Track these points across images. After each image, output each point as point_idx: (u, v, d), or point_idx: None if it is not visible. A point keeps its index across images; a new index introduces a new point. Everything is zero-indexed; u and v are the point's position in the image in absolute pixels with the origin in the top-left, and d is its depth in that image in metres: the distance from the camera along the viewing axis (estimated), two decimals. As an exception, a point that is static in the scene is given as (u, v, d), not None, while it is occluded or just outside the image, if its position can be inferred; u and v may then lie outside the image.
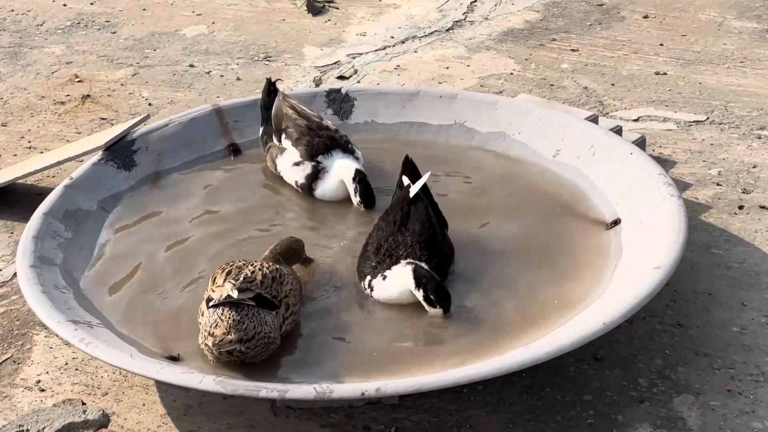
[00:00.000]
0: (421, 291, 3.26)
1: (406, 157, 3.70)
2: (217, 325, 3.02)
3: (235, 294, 3.04)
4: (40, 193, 4.34)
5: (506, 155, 4.15)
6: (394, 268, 3.34)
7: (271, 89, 4.20)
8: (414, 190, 3.51)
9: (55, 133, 4.95)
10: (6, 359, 3.52)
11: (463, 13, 6.05)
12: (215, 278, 3.19)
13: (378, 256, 3.41)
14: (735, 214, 4.15)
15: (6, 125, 5.04)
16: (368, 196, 3.86)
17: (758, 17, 5.87)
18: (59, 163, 4.19)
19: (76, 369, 3.42)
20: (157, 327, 3.31)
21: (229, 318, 3.02)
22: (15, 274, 3.65)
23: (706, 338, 3.49)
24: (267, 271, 3.18)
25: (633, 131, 4.59)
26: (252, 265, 3.21)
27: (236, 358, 3.04)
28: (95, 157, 4.02)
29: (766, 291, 3.73)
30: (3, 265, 4.02)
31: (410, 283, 3.29)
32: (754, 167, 4.46)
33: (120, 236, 3.77)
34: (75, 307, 3.27)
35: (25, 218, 4.03)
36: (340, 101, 4.37)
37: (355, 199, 3.86)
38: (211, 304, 3.07)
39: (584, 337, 2.97)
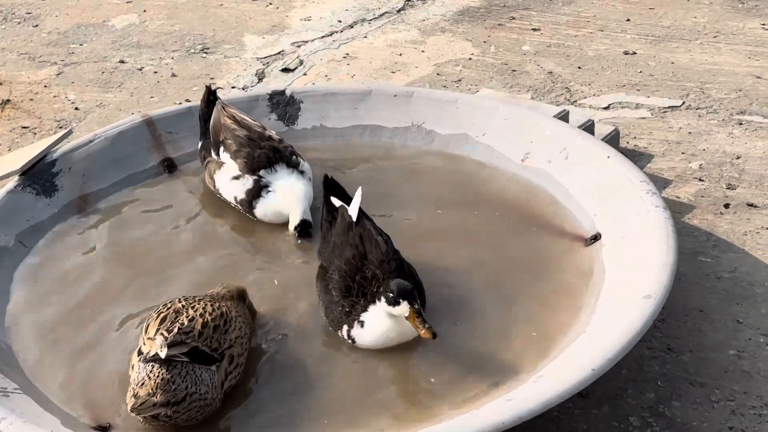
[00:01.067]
0: (383, 298, 2.89)
1: (326, 177, 3.36)
2: (143, 384, 2.66)
3: (163, 353, 2.68)
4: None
5: (470, 160, 3.79)
6: (371, 309, 2.98)
7: (210, 98, 3.80)
8: (353, 213, 3.17)
9: (-29, 147, 4.52)
10: None
11: (415, -9, 5.65)
12: (148, 326, 2.81)
13: (350, 299, 3.04)
14: (721, 214, 3.83)
15: None
16: (306, 235, 3.51)
17: (729, -15, 5.52)
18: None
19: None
20: (85, 389, 2.94)
21: (158, 377, 2.67)
22: None
23: (700, 364, 3.17)
24: (209, 318, 2.81)
25: (605, 122, 4.26)
26: (193, 308, 2.84)
27: (164, 423, 2.69)
28: (10, 183, 3.61)
29: (762, 305, 3.40)
30: None
31: (384, 307, 2.91)
32: (738, 158, 4.14)
33: (42, 276, 3.37)
34: (-13, 371, 2.89)
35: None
36: (284, 105, 3.98)
37: (292, 231, 3.51)
38: (140, 359, 2.73)
39: (572, 387, 2.63)
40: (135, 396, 2.65)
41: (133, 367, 2.76)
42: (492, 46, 5.06)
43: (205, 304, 2.85)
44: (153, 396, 2.63)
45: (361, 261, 3.06)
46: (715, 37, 5.03)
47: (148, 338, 2.75)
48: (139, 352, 2.76)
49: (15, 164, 3.67)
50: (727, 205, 3.86)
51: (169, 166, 3.84)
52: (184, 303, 2.86)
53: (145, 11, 5.63)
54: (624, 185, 3.37)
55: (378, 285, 2.98)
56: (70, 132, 3.85)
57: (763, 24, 5.13)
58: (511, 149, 3.73)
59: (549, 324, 3.07)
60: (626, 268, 3.09)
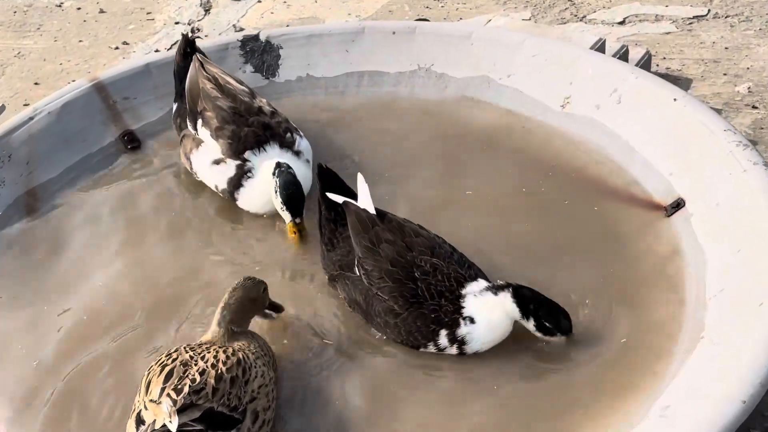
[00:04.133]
0: (532, 320, 2.43)
1: (320, 167, 2.71)
2: None
3: (174, 425, 2.08)
4: None
5: (496, 108, 3.20)
6: (467, 301, 2.45)
7: (187, 50, 3.10)
8: (368, 205, 2.59)
9: None
10: None
11: None
12: (149, 383, 2.21)
13: (426, 304, 2.47)
14: (743, 148, 3.30)
15: None
16: (293, 201, 2.81)
17: None
18: None
19: None
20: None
21: None
22: None
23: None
24: (223, 370, 2.21)
25: (627, 41, 3.70)
26: (202, 357, 2.24)
27: None
28: (-66, 184, 2.94)
29: None
30: None
31: (514, 313, 2.43)
32: (790, 77, 3.61)
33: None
34: None
35: None
36: (260, 52, 3.34)
37: (277, 203, 2.82)
38: (141, 430, 2.12)
39: (726, 428, 2.10)
40: None
41: None
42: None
43: (216, 352, 2.26)
44: None
45: (409, 255, 2.51)
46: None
47: (151, 401, 2.15)
48: (139, 421, 2.15)
49: (-62, 157, 2.99)
50: (779, 138, 3.36)
51: (131, 141, 3.19)
52: (191, 353, 2.25)
53: (53, -69, 4.84)
54: (702, 136, 2.82)
55: (444, 275, 2.47)
56: (2, 108, 3.15)
57: None
58: (547, 93, 3.15)
59: (642, 322, 2.53)
60: (734, 248, 2.55)
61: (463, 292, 2.45)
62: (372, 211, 2.57)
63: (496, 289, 2.44)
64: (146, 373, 2.25)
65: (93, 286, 2.77)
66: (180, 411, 2.10)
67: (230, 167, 2.89)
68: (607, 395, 2.36)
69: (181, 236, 2.91)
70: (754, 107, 3.48)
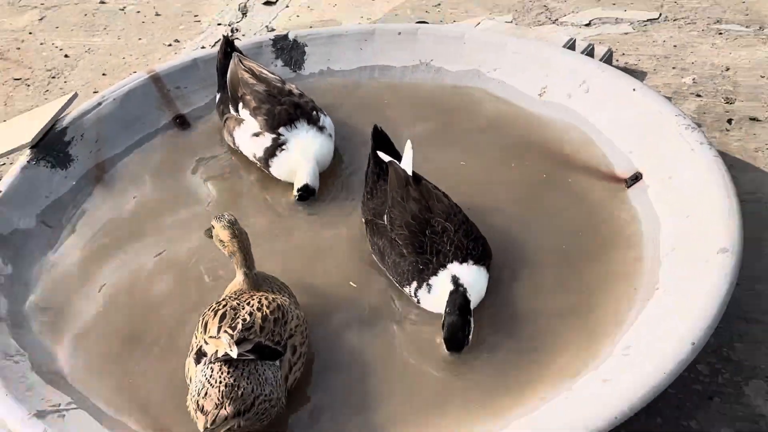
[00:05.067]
0: (443, 322, 2.31)
1: (375, 128, 2.69)
2: (207, 394, 2.03)
3: (234, 352, 2.04)
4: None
5: (485, 97, 3.10)
6: (440, 274, 2.38)
7: (228, 50, 3.04)
8: (408, 168, 2.54)
9: (-36, 104, 3.71)
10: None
11: None
12: (206, 323, 2.16)
13: (424, 256, 2.41)
14: (727, 130, 3.24)
15: None
16: (304, 200, 2.80)
17: None
18: (-22, 165, 3.00)
19: None
20: (139, 392, 2.27)
21: (221, 383, 2.04)
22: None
23: (751, 300, 2.61)
24: (267, 312, 2.16)
25: (592, 40, 3.61)
26: (248, 304, 2.18)
27: None
28: (23, 157, 2.85)
29: (790, 231, 2.84)
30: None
31: (443, 307, 2.33)
32: (727, 70, 3.53)
33: (72, 261, 2.65)
34: (35, 383, 2.22)
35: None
36: (289, 50, 3.26)
37: (294, 193, 2.80)
38: (205, 360, 2.08)
39: (676, 367, 2.04)
40: (203, 411, 2.02)
41: (189, 371, 2.15)
42: (464, -35, 4.32)
43: (259, 299, 2.20)
44: (221, 408, 2.01)
45: (427, 215, 2.44)
46: (672, -56, 4.34)
47: (210, 337, 2.10)
48: (199, 354, 2.11)
49: (23, 136, 2.91)
50: (730, 121, 3.27)
51: (182, 123, 3.11)
52: (237, 300, 2.20)
53: (116, -52, 4.74)
54: (657, 120, 2.75)
55: (449, 239, 2.40)
56: (75, 95, 3.07)
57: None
58: (527, 84, 3.06)
59: (607, 274, 2.47)
60: (684, 215, 2.48)
61: (448, 265, 2.37)
62: (409, 172, 2.51)
63: (455, 284, 2.34)
64: (200, 318, 2.19)
65: (152, 225, 2.76)
66: (237, 343, 2.04)
67: (267, 139, 2.83)
68: (575, 338, 2.30)
69: (221, 194, 2.87)
70: (698, 95, 3.40)
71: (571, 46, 3.25)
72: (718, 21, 3.79)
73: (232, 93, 2.93)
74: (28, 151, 2.86)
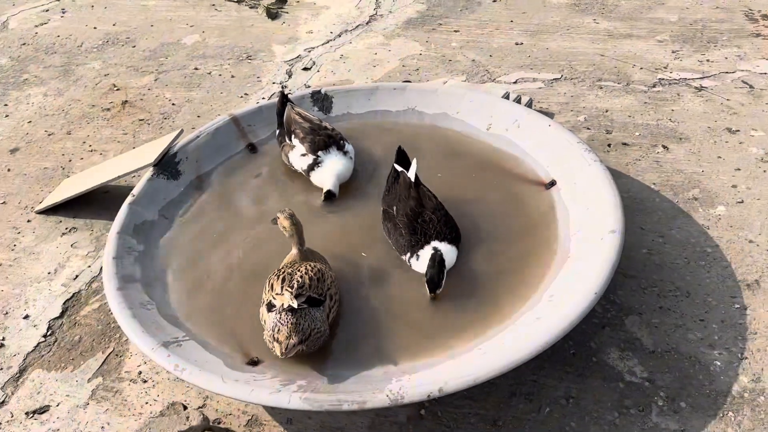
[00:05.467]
0: (426, 272, 2.25)
1: (399, 148, 2.61)
2: (279, 330, 1.98)
3: (295, 304, 1.99)
4: (107, 191, 3.10)
5: (451, 130, 3.03)
6: (425, 248, 2.30)
7: (284, 100, 2.97)
8: (412, 176, 2.47)
9: (107, 136, 3.60)
10: (110, 353, 2.37)
11: (374, 9, 4.74)
12: (272, 285, 2.10)
13: (415, 236, 2.33)
14: (607, 151, 3.17)
15: (70, 133, 3.66)
16: (328, 200, 2.70)
17: (566, -5, 4.74)
18: (121, 176, 2.91)
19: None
20: (233, 331, 2.19)
21: (288, 322, 1.98)
22: (102, 269, 2.47)
23: (626, 261, 2.56)
24: (312, 274, 2.10)
25: (519, 93, 3.54)
26: (299, 271, 2.11)
27: (299, 353, 2.01)
28: (148, 173, 2.77)
29: (653, 214, 2.79)
30: (91, 261, 2.79)
31: (425, 264, 2.28)
32: (606, 111, 3.47)
33: (182, 241, 2.57)
34: (161, 323, 2.14)
35: (99, 215, 2.84)
36: (321, 100, 3.16)
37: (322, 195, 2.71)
38: (274, 310, 2.02)
39: (586, 308, 2.00)
40: (278, 341, 1.97)
41: (263, 317, 2.08)
42: (432, 44, 4.23)
43: (305, 266, 2.13)
44: (290, 338, 1.96)
45: (420, 209, 2.38)
46: (567, 30, 4.27)
47: (277, 294, 2.04)
48: (270, 306, 2.05)
49: (147, 158, 2.82)
50: (609, 145, 3.21)
51: (252, 149, 3.01)
52: (291, 269, 2.13)
53: (203, 32, 4.63)
54: (565, 145, 2.68)
55: (433, 226, 2.33)
56: (182, 131, 2.99)
57: (594, 19, 4.38)
58: (479, 122, 2.99)
59: (535, 247, 2.41)
60: (585, 207, 2.43)
61: (431, 242, 2.30)
62: (412, 179, 2.44)
63: (434, 251, 2.27)
64: (267, 281, 2.13)
65: (235, 214, 2.66)
66: (295, 297, 2.00)
67: (309, 158, 2.75)
68: (510, 291, 2.24)
69: (279, 195, 2.78)
70: (588, 128, 3.33)
71: (506, 96, 3.18)
72: (599, 80, 3.73)
73: (287, 128, 2.85)
74: (151, 168, 2.77)
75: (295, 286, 2.04)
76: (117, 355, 2.36)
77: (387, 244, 2.45)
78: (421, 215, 2.36)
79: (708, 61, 3.83)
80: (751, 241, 2.62)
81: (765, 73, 3.67)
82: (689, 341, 2.25)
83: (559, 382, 2.15)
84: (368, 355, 2.02)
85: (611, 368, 2.19)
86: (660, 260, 2.55)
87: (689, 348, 2.23)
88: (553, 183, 2.62)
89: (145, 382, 2.25)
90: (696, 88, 3.60)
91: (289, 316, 1.99)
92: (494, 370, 1.79)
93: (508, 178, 2.71)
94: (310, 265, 2.14)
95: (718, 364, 2.19)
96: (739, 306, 2.36)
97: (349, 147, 2.82)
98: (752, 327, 2.30)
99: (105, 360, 2.35)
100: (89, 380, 2.28)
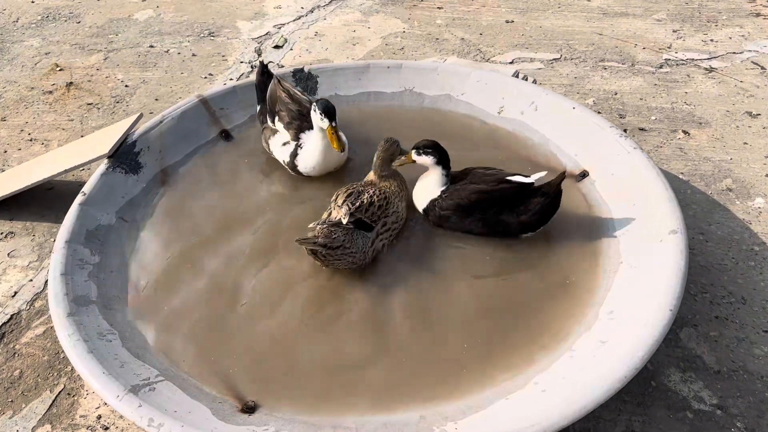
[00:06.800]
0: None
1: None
2: (313, 230, 1.92)
3: (345, 220, 1.93)
4: (51, 188, 2.55)
5: (456, 114, 2.60)
6: None
7: (263, 71, 2.46)
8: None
9: (50, 123, 3.03)
10: (60, 392, 1.85)
11: (348, -16, 4.24)
12: (338, 196, 2.02)
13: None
14: (624, 138, 2.79)
15: (5, 119, 3.07)
16: (327, 110, 2.16)
17: (551, -29, 4.34)
18: (66, 171, 2.35)
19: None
20: (221, 366, 1.69)
21: (326, 228, 1.91)
22: (46, 283, 1.96)
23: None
24: (376, 200, 2.00)
25: (517, 71, 3.13)
26: (368, 193, 2.02)
27: (320, 260, 1.93)
28: (102, 166, 2.24)
29: (687, 208, 2.43)
30: (33, 274, 2.25)
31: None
32: (616, 94, 3.09)
33: (147, 249, 2.06)
34: (126, 359, 1.65)
35: (42, 216, 2.30)
36: (305, 79, 2.68)
37: (317, 118, 2.18)
38: (325, 221, 1.94)
39: (662, 331, 1.59)
40: (310, 229, 1.91)
41: (324, 216, 1.99)
42: (415, 21, 3.78)
43: (376, 190, 2.04)
44: (318, 238, 1.88)
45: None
46: (559, 7, 3.89)
47: (337, 206, 1.98)
48: (329, 215, 1.97)
49: (101, 148, 2.29)
50: (625, 130, 2.84)
51: (226, 136, 2.51)
52: (362, 188, 2.04)
53: (158, 7, 4.05)
54: (595, 130, 2.29)
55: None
56: (140, 116, 2.46)
57: (586, -4, 4.01)
58: (488, 104, 2.57)
59: (574, 250, 2.01)
60: (631, 202, 2.04)
61: None
62: None
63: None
64: (335, 194, 2.04)
65: (209, 217, 2.16)
66: (349, 215, 1.94)
67: (292, 146, 2.27)
68: (555, 305, 1.84)
69: (254, 185, 2.31)
70: (599, 112, 2.95)
71: (515, 75, 2.75)
72: (602, 60, 3.35)
73: (270, 107, 2.36)
74: (105, 161, 2.24)
75: (356, 205, 1.96)
76: (69, 394, 1.85)
77: (402, 252, 2.02)
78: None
79: (712, 41, 3.50)
80: (800, 238, 2.28)
81: (775, 54, 3.37)
82: (757, 357, 1.89)
83: (617, 414, 1.76)
84: (397, 392, 1.57)
85: (675, 394, 1.81)
86: (705, 261, 2.19)
87: (759, 366, 1.87)
88: (585, 174, 2.22)
89: (106, 429, 1.75)
90: (706, 69, 3.26)
91: (332, 224, 1.90)
92: (564, 417, 1.37)
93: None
94: (380, 191, 2.03)
95: (795, 385, 1.83)
96: (803, 313, 2.02)
97: (341, 135, 2.35)
98: (823, 338, 1.95)
99: (54, 401, 1.83)
100: (33, 429, 1.77)
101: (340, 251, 1.89)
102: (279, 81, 2.36)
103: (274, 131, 2.33)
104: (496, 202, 1.93)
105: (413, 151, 2.05)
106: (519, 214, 1.93)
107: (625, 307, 1.70)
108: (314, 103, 2.18)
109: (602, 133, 2.23)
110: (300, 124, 2.27)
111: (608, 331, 1.65)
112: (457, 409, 1.50)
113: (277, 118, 2.32)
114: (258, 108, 2.47)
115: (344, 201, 1.97)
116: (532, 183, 1.93)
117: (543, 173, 1.98)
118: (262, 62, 2.48)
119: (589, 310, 1.76)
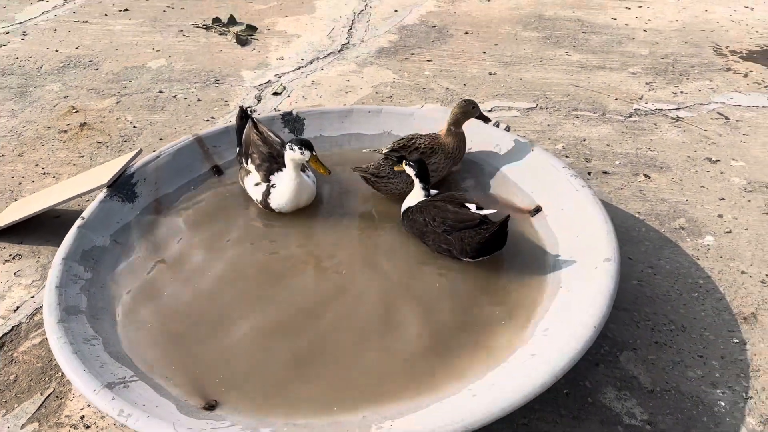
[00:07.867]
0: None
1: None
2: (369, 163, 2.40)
3: (384, 151, 2.41)
4: (58, 216, 2.77)
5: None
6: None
7: (243, 116, 2.69)
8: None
9: (62, 159, 3.28)
10: (49, 395, 2.03)
11: (346, 38, 4.54)
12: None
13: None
14: (588, 180, 2.97)
15: (22, 155, 3.33)
16: (304, 143, 2.37)
17: (537, 29, 4.62)
18: (70, 199, 2.58)
19: (117, 404, 1.93)
20: (190, 370, 1.87)
21: (378, 162, 2.43)
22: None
23: (619, 294, 2.32)
24: (421, 146, 2.45)
25: (496, 119, 3.33)
26: (419, 139, 2.48)
27: (371, 185, 2.47)
28: (101, 194, 2.46)
29: (640, 244, 2.58)
30: (35, 291, 2.45)
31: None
32: (584, 140, 3.29)
33: (136, 269, 2.26)
34: (107, 361, 1.82)
35: (47, 241, 2.51)
36: (293, 121, 2.91)
37: (297, 155, 2.38)
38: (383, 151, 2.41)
39: (586, 343, 1.74)
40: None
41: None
42: (405, 72, 4.04)
43: (431, 140, 2.46)
44: (368, 168, 2.42)
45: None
46: (540, 61, 4.13)
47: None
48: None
49: (102, 179, 2.52)
50: (589, 173, 3.02)
51: (218, 171, 2.74)
52: (418, 136, 2.49)
53: (170, 56, 4.36)
54: (550, 170, 2.47)
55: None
56: (140, 151, 2.70)
57: (567, 52, 4.25)
58: (457, 146, 2.75)
59: (523, 277, 2.17)
60: (575, 234, 2.20)
61: None
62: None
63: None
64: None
65: (191, 240, 2.34)
66: (391, 150, 2.40)
67: (263, 187, 2.47)
68: (498, 324, 1.99)
69: (235, 216, 2.51)
70: (566, 156, 3.14)
71: (496, 125, 2.96)
72: (575, 109, 3.56)
73: (244, 150, 2.58)
74: (105, 190, 2.47)
75: (401, 144, 2.39)
76: (57, 396, 2.02)
77: (364, 266, 2.19)
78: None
79: (682, 92, 3.70)
80: (743, 272, 2.42)
81: (739, 105, 3.56)
82: (689, 379, 2.01)
83: (553, 426, 1.89)
84: (344, 395, 1.73)
85: (609, 410, 1.94)
86: (651, 292, 2.33)
87: (690, 387, 2.00)
88: (538, 209, 2.39)
89: (87, 428, 1.91)
90: (673, 118, 3.45)
91: (382, 161, 2.39)
92: (486, 415, 1.52)
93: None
94: (431, 141, 2.43)
95: (723, 404, 1.95)
96: (738, 341, 2.14)
97: (310, 171, 2.55)
98: (754, 363, 2.08)
99: (43, 402, 2.01)
100: (23, 426, 1.94)
101: (384, 180, 2.36)
102: (255, 124, 2.57)
103: (248, 172, 2.54)
104: (448, 222, 2.10)
105: (404, 161, 2.27)
106: (463, 239, 2.10)
107: (558, 324, 1.85)
108: (288, 143, 2.37)
109: (556, 172, 2.41)
110: (269, 166, 2.47)
111: (540, 345, 1.79)
112: (396, 411, 1.65)
113: (249, 160, 2.53)
114: (237, 150, 2.68)
115: (399, 140, 2.39)
116: (480, 216, 2.10)
117: (493, 211, 2.15)
118: (241, 107, 2.71)
119: (527, 328, 1.90)
